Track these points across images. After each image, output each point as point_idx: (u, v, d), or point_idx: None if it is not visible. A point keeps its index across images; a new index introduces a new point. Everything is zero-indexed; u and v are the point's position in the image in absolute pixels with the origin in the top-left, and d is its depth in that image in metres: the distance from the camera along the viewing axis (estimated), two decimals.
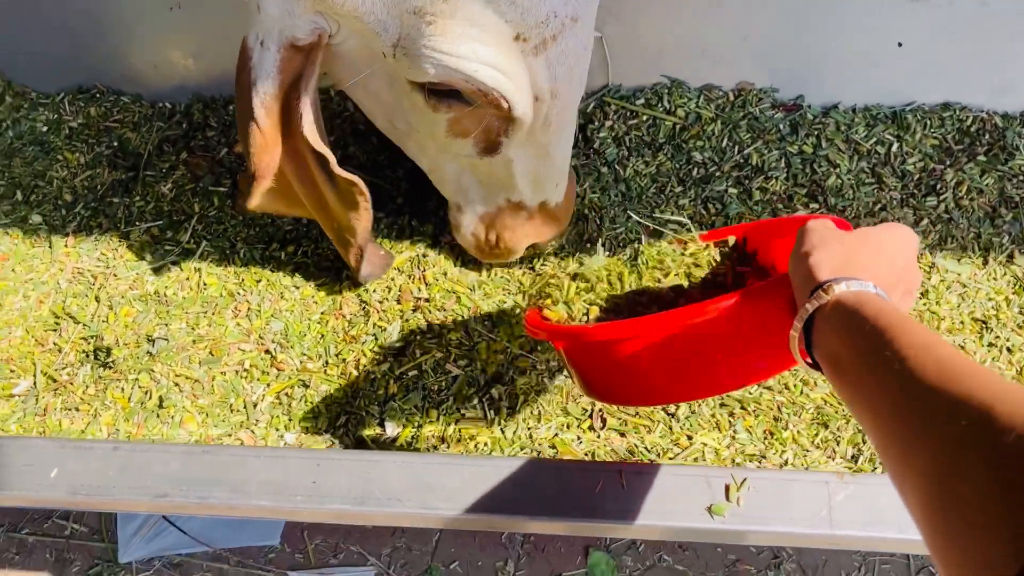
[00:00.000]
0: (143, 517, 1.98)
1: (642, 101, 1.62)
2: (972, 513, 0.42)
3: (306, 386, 1.37)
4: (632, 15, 1.53)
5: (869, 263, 0.72)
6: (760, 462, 1.28)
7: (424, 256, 1.49)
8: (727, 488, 0.99)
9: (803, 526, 0.96)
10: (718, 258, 1.05)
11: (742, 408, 1.32)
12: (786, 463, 1.28)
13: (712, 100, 1.62)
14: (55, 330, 1.45)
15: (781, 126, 1.59)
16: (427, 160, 1.29)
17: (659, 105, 1.62)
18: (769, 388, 1.34)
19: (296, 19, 0.98)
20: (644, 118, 1.61)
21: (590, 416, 1.32)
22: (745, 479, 0.99)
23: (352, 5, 0.94)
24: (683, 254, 1.07)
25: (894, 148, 1.57)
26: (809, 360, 0.73)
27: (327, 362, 1.39)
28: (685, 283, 1.00)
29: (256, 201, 1.15)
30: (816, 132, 1.59)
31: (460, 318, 1.41)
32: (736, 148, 1.58)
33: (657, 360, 0.87)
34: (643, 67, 1.61)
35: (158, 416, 1.34)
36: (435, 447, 1.31)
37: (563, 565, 1.95)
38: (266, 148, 1.07)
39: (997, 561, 0.38)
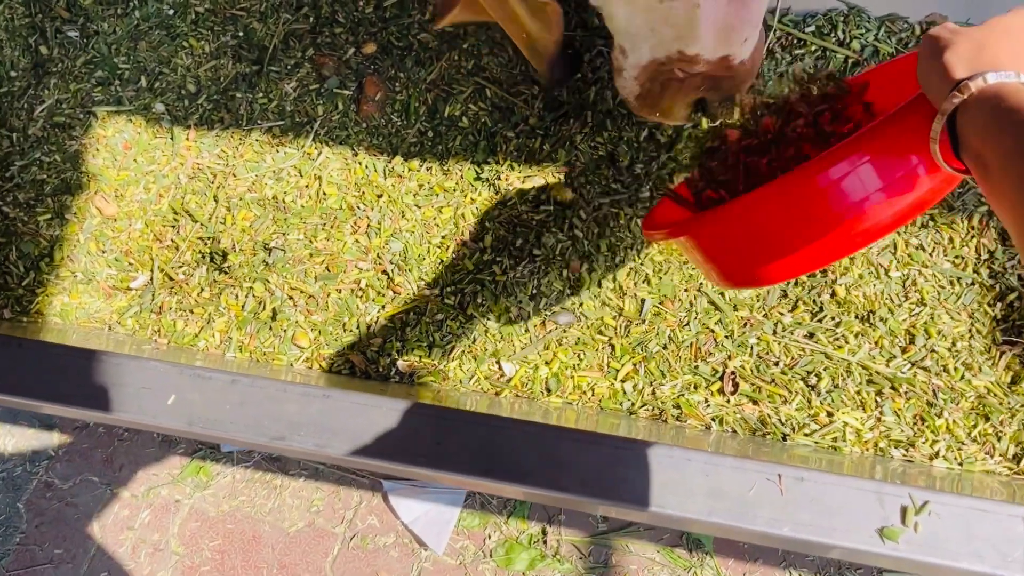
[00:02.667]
0: None
1: (812, 28, 1.44)
2: None
3: (422, 313, 1.30)
4: None
5: (1004, 50, 0.67)
6: (907, 450, 1.16)
7: (549, 186, 1.38)
8: (903, 510, 0.88)
9: (990, 565, 0.84)
10: None
11: (892, 388, 1.20)
12: (936, 455, 1.16)
13: (894, 33, 1.42)
14: (174, 226, 1.42)
15: None
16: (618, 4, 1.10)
17: (832, 35, 1.43)
18: (926, 369, 1.21)
19: None
20: (813, 48, 1.43)
21: (720, 378, 1.22)
22: (927, 502, 0.88)
23: None
24: None
25: None
26: (959, 167, 0.68)
27: (445, 290, 1.31)
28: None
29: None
30: None
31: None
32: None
33: (797, 219, 0.78)
34: None
35: (271, 328, 1.31)
36: (548, 389, 1.24)
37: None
38: None
39: None
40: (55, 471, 2.03)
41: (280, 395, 0.96)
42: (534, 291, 1.29)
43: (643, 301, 1.27)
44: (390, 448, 0.93)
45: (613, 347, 1.26)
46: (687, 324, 1.25)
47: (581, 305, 1.29)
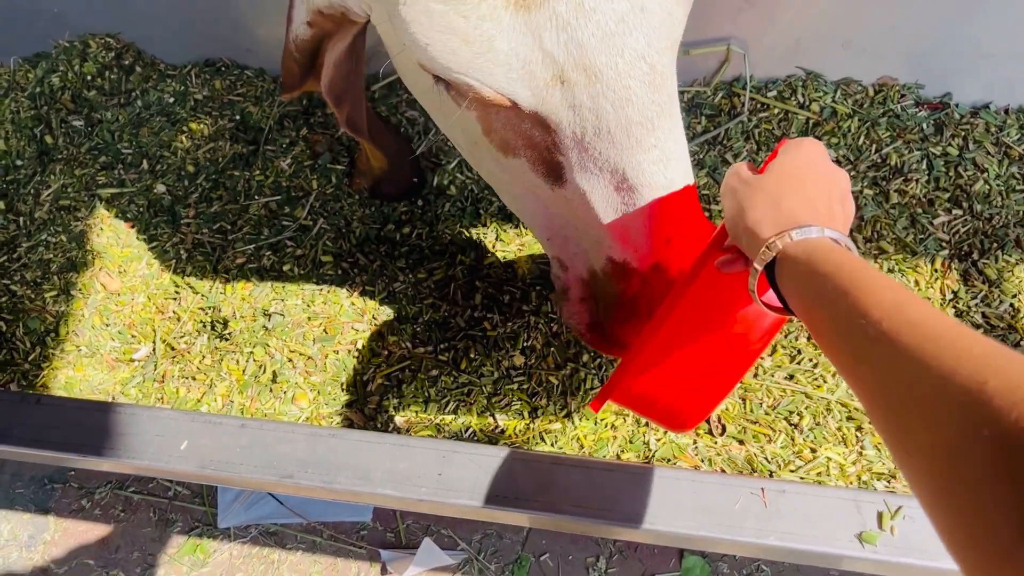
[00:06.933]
0: None
1: (775, 93, 1.55)
2: (976, 495, 0.41)
3: (417, 370, 1.35)
4: (768, 1, 1.45)
5: (798, 204, 0.67)
6: (889, 482, 1.20)
7: (525, 246, 1.45)
8: (880, 515, 0.92)
9: None
10: None
11: (871, 423, 1.25)
12: None
13: (850, 95, 1.53)
14: (175, 299, 1.48)
15: (924, 125, 1.50)
16: (506, 196, 1.04)
17: (792, 98, 1.54)
18: None
19: None
20: (776, 111, 1.53)
21: (707, 421, 1.27)
22: (900, 507, 0.93)
23: None
24: None
25: None
26: (779, 308, 0.69)
27: (439, 347, 1.37)
28: None
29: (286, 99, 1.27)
30: (963, 133, 1.48)
31: None
32: (874, 147, 1.49)
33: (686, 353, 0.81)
34: (778, 57, 1.53)
35: (271, 391, 1.35)
36: (543, 439, 1.28)
37: (656, 567, 1.90)
38: (291, 75, 1.16)
39: (1006, 540, 0.38)
40: (51, 556, 2.02)
41: (288, 436, 1.00)
42: (524, 345, 1.35)
43: None
44: (394, 481, 0.96)
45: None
46: None
47: (570, 357, 1.34)
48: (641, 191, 0.84)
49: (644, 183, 0.83)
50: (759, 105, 1.54)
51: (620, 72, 0.76)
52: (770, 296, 0.68)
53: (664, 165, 0.83)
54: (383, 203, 1.54)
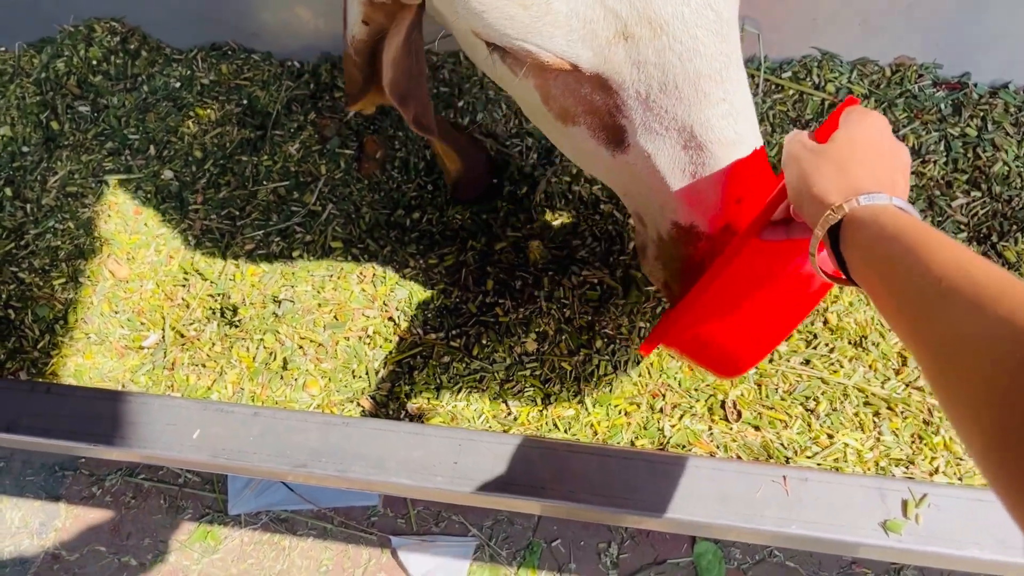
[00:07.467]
0: None
1: (789, 74, 1.52)
2: None
3: (428, 356, 1.34)
4: None
5: (864, 174, 0.69)
6: (908, 468, 1.19)
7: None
8: (904, 503, 0.91)
9: (990, 552, 0.87)
10: None
11: (888, 408, 1.23)
12: (936, 470, 1.19)
13: (866, 75, 1.51)
14: (184, 286, 1.47)
15: (942, 106, 1.47)
16: (580, 163, 1.02)
17: (808, 79, 1.51)
18: (920, 388, 1.24)
19: None
20: (790, 92, 1.51)
21: (723, 406, 1.26)
22: (925, 495, 0.91)
23: None
24: None
25: None
26: (838, 276, 0.70)
27: (450, 334, 1.36)
28: None
29: (353, 110, 1.22)
30: (982, 113, 1.46)
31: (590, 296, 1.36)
32: (891, 128, 1.46)
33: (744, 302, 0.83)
34: (793, 37, 1.51)
35: (282, 378, 1.34)
36: (556, 426, 1.27)
37: (668, 552, 1.90)
38: (353, 81, 1.11)
39: None
40: (62, 542, 2.02)
41: (301, 425, 0.99)
42: (536, 331, 1.33)
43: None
44: (408, 470, 0.95)
45: (611, 385, 1.29)
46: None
47: (582, 344, 1.33)
48: (711, 148, 0.81)
49: (714, 139, 0.80)
50: (773, 86, 1.51)
51: (687, 22, 0.74)
52: (825, 261, 0.70)
53: (734, 119, 0.80)
54: (397, 186, 1.52)
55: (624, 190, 0.96)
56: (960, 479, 1.17)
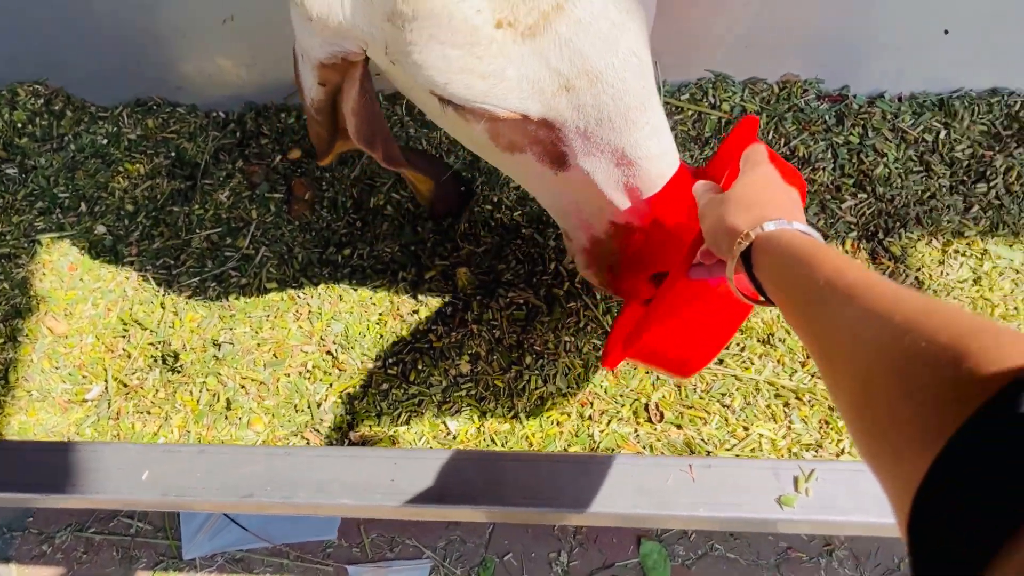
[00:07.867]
0: (205, 515, 2.04)
1: (687, 96, 1.64)
2: (885, 410, 0.50)
3: (368, 385, 1.40)
4: (676, 9, 1.54)
5: (766, 204, 0.80)
6: (816, 451, 1.29)
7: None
8: (796, 479, 1.01)
9: (875, 516, 0.97)
10: None
11: (797, 399, 1.34)
12: (843, 452, 1.29)
13: (757, 93, 1.63)
14: (124, 336, 1.51)
15: (827, 117, 1.60)
16: (514, 178, 1.17)
17: (704, 100, 1.63)
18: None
19: (315, 43, 0.97)
20: (690, 113, 1.62)
21: (647, 409, 1.35)
22: (813, 470, 1.01)
23: (334, 22, 0.90)
24: None
25: (942, 136, 1.57)
26: (756, 298, 0.81)
27: (387, 362, 1.42)
28: None
29: (324, 164, 1.31)
30: (862, 122, 1.59)
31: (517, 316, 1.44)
32: (782, 140, 1.59)
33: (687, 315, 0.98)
34: (687, 62, 1.63)
35: (226, 418, 1.39)
36: (493, 441, 1.34)
37: (616, 555, 1.98)
38: (321, 140, 1.19)
39: (903, 444, 0.47)
40: None
41: (246, 458, 1.05)
42: (469, 353, 1.41)
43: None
44: (349, 491, 1.02)
45: (542, 398, 1.38)
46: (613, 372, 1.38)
47: (515, 362, 1.41)
48: (639, 163, 0.98)
49: (642, 155, 0.97)
50: (674, 108, 1.63)
51: (617, 69, 0.87)
52: (745, 285, 0.81)
53: (657, 137, 0.97)
54: (327, 224, 1.59)
55: (559, 206, 1.12)
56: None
